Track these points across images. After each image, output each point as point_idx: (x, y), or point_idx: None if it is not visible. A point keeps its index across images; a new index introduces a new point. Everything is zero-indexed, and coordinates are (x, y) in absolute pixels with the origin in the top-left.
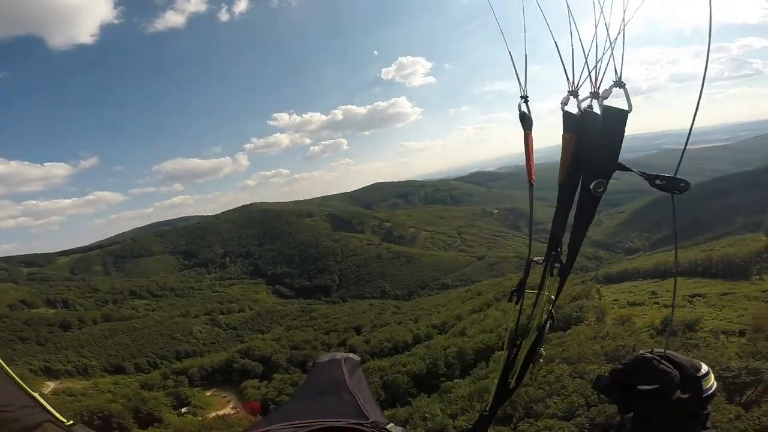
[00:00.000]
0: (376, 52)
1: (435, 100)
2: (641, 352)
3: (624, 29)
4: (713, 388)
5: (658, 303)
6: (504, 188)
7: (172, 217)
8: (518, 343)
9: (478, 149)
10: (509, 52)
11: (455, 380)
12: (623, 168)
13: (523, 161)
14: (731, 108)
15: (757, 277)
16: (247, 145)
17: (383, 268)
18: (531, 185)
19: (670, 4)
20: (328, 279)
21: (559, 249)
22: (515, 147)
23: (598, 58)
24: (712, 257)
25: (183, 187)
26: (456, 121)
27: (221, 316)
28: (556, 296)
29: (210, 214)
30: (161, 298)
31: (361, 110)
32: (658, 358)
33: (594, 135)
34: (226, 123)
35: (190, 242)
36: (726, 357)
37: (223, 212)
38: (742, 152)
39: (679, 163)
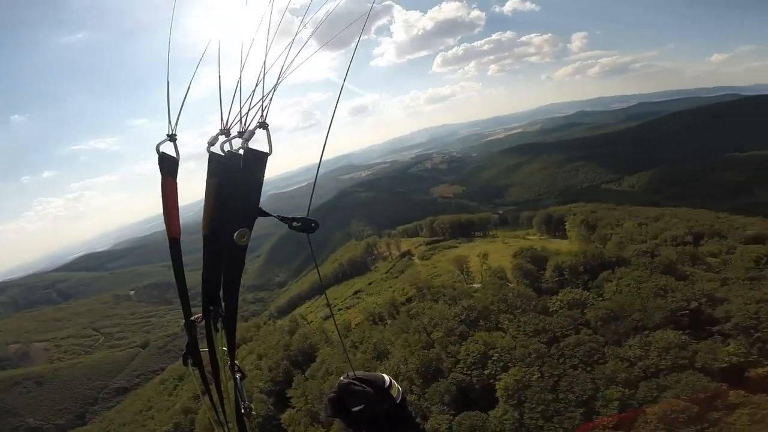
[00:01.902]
0: None
1: None
2: (341, 378)
3: (280, 77)
4: (400, 393)
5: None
6: (131, 266)
7: None
8: (222, 404)
9: (77, 227)
10: (168, 83)
11: None
12: (264, 214)
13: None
14: (305, 153)
15: (374, 266)
16: None
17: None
18: (173, 240)
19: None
20: None
21: (216, 305)
22: (128, 217)
23: (248, 98)
24: (342, 263)
25: None
26: (35, 193)
27: None
28: (230, 348)
29: None
30: None
31: None
32: (354, 381)
33: (236, 179)
34: None
35: None
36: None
37: None
38: (317, 188)
39: (309, 206)
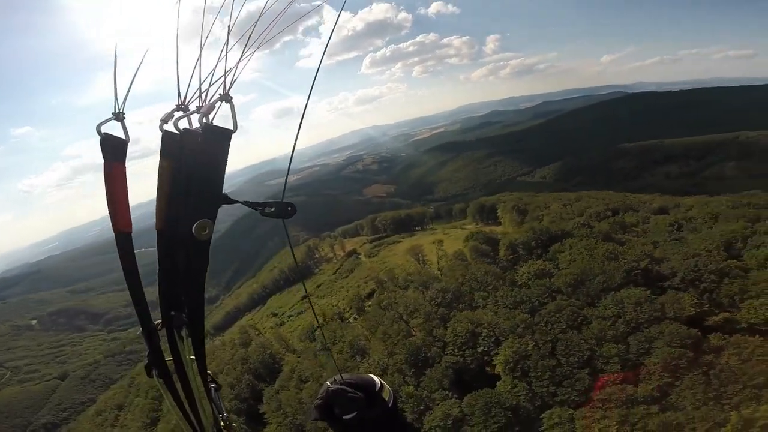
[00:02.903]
0: None
1: None
2: (327, 383)
3: (247, 46)
4: (391, 395)
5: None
6: (26, 293)
7: None
8: (194, 417)
9: None
10: (115, 55)
11: None
12: (229, 201)
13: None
14: (229, 159)
15: (318, 269)
16: None
17: None
18: (122, 234)
19: None
20: None
21: (178, 309)
22: (16, 240)
23: (210, 70)
24: (283, 268)
25: None
26: None
27: None
28: (200, 358)
29: None
30: None
31: None
32: (344, 387)
33: (194, 161)
34: None
35: None
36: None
37: None
38: (241, 195)
39: (284, 189)
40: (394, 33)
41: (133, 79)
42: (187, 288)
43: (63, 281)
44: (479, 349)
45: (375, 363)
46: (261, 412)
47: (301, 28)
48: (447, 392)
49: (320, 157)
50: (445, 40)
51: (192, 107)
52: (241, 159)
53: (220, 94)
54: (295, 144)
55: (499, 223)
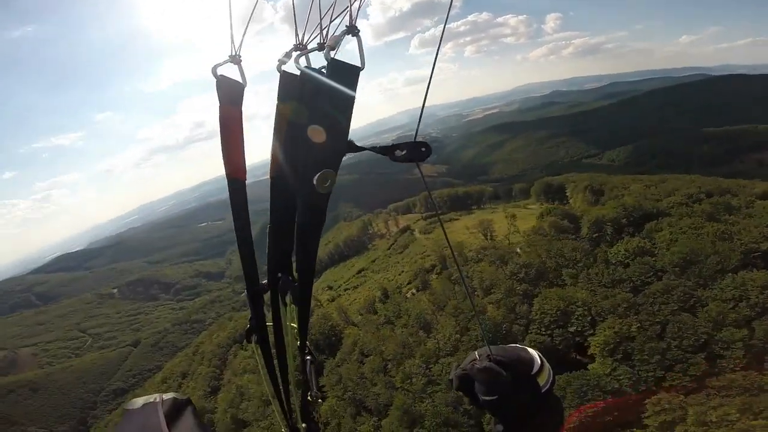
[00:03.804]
0: None
1: None
2: (475, 354)
3: None
4: (550, 377)
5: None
6: (111, 264)
7: None
8: (283, 388)
9: (48, 228)
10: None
11: None
12: (355, 148)
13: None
14: None
15: (371, 245)
16: None
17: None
18: (236, 181)
19: None
20: None
21: (286, 271)
22: (100, 215)
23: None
24: (338, 243)
25: None
26: None
27: None
28: (302, 327)
29: None
30: None
31: None
32: (492, 366)
33: (317, 104)
34: None
35: None
36: None
37: None
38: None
39: (417, 130)
40: (443, 12)
41: (249, 20)
42: (299, 248)
43: (141, 252)
44: (572, 329)
45: (445, 338)
46: (321, 385)
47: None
48: None
49: (370, 137)
50: (499, 19)
51: (311, 46)
52: None
53: (346, 26)
54: (423, 104)
55: (568, 204)
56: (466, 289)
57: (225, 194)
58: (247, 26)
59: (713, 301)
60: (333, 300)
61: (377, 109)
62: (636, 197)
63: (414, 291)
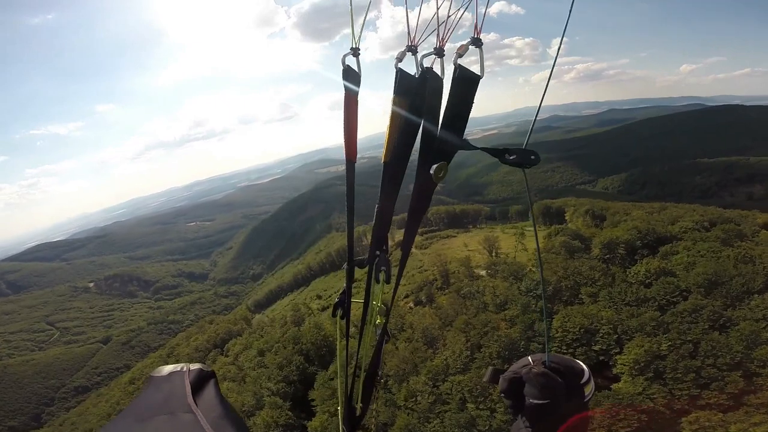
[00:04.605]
0: None
1: None
2: (529, 359)
3: None
4: (593, 390)
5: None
6: (90, 256)
7: None
8: (355, 365)
9: (31, 214)
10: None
11: None
12: (468, 146)
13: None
14: (281, 145)
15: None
16: None
17: None
18: (350, 162)
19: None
20: None
21: (385, 247)
22: (89, 205)
23: (451, 10)
24: (330, 252)
25: None
26: None
27: None
28: (389, 307)
29: None
30: None
31: None
32: (550, 373)
33: (434, 103)
34: None
35: None
36: None
37: None
38: (292, 180)
39: (528, 138)
40: (450, 31)
41: (365, 17)
42: (406, 228)
43: (125, 247)
44: (596, 347)
45: (455, 355)
46: (310, 399)
47: (359, 22)
48: None
49: (368, 150)
50: (506, 41)
51: (421, 49)
52: (294, 146)
53: (471, 38)
54: (540, 103)
55: (566, 227)
56: (543, 294)
57: (216, 195)
58: (363, 22)
59: (744, 321)
60: (324, 309)
61: (377, 121)
62: (645, 222)
63: (412, 305)
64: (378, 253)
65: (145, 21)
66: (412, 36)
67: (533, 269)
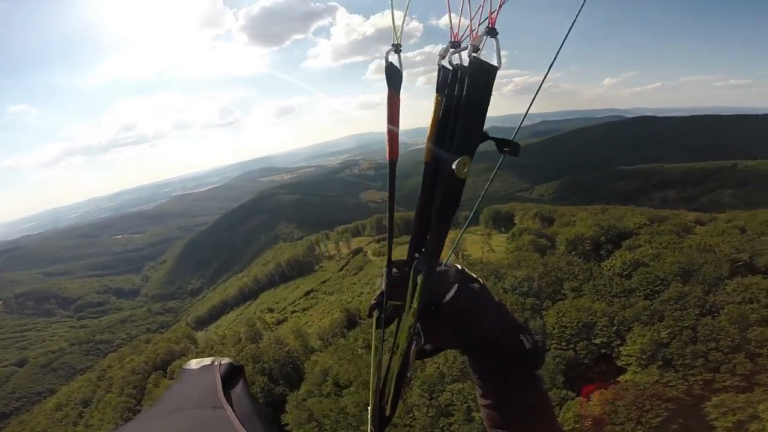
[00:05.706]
0: None
1: None
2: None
3: None
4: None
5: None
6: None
7: None
8: (388, 366)
9: None
10: None
11: None
12: (487, 138)
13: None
14: (220, 152)
15: (319, 266)
16: None
17: None
18: (392, 162)
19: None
20: None
21: (423, 250)
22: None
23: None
24: (280, 263)
25: None
26: None
27: None
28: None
29: None
30: None
31: None
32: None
33: (460, 97)
34: None
35: None
36: None
37: None
38: (231, 189)
39: (515, 133)
40: (403, 41)
41: (405, 14)
42: (433, 230)
43: (39, 261)
44: (597, 341)
45: (449, 363)
46: (284, 424)
47: (312, 28)
48: (566, 391)
49: (316, 159)
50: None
51: (464, 43)
52: (234, 154)
53: (486, 28)
54: (528, 110)
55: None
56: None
57: (145, 205)
58: (404, 19)
59: (728, 305)
60: (280, 323)
61: (326, 130)
62: (588, 223)
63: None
64: (417, 255)
65: (77, 15)
66: (453, 31)
67: (511, 266)
